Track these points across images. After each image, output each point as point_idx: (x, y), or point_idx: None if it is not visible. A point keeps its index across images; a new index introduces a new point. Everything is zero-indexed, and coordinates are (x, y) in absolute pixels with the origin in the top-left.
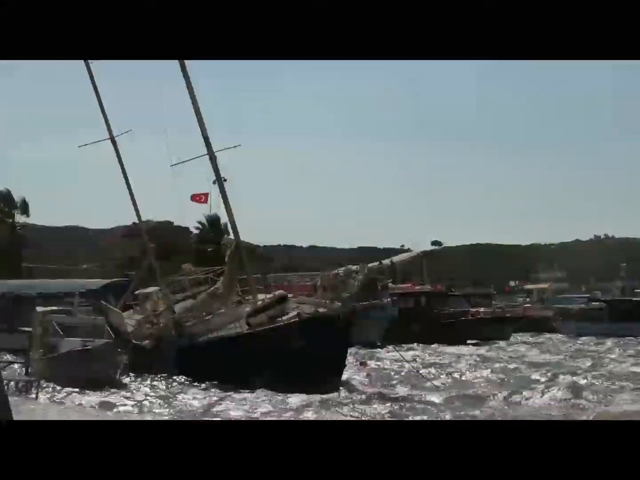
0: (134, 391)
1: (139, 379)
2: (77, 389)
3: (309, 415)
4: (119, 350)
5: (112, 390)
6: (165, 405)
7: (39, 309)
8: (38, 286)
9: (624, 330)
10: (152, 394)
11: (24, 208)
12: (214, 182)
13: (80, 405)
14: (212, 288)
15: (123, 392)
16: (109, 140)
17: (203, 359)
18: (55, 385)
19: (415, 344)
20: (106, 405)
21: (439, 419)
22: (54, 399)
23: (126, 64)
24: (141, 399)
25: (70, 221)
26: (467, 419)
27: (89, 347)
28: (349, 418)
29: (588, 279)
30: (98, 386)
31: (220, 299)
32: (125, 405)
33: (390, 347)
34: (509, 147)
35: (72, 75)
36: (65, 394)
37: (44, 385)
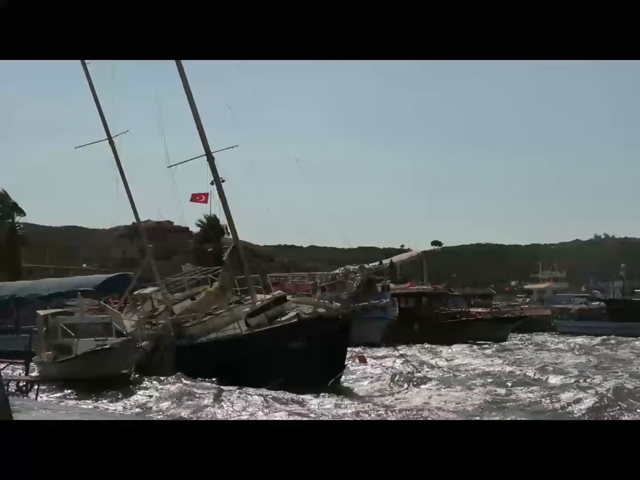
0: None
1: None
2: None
3: (307, 415)
4: (137, 347)
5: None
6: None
7: (40, 312)
8: (31, 287)
9: (623, 330)
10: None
11: (19, 209)
12: (211, 183)
13: (80, 405)
14: (211, 288)
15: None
16: (107, 141)
17: (202, 360)
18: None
19: (415, 344)
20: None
21: (439, 419)
22: (54, 399)
23: (123, 64)
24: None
25: (70, 221)
26: (466, 419)
27: (109, 346)
28: (349, 418)
29: (588, 279)
30: (112, 384)
31: (219, 299)
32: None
33: (390, 347)
34: (509, 147)
35: (70, 76)
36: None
37: (46, 386)
